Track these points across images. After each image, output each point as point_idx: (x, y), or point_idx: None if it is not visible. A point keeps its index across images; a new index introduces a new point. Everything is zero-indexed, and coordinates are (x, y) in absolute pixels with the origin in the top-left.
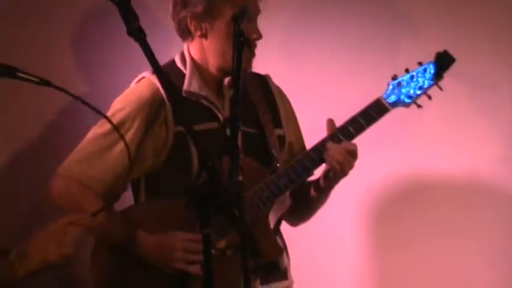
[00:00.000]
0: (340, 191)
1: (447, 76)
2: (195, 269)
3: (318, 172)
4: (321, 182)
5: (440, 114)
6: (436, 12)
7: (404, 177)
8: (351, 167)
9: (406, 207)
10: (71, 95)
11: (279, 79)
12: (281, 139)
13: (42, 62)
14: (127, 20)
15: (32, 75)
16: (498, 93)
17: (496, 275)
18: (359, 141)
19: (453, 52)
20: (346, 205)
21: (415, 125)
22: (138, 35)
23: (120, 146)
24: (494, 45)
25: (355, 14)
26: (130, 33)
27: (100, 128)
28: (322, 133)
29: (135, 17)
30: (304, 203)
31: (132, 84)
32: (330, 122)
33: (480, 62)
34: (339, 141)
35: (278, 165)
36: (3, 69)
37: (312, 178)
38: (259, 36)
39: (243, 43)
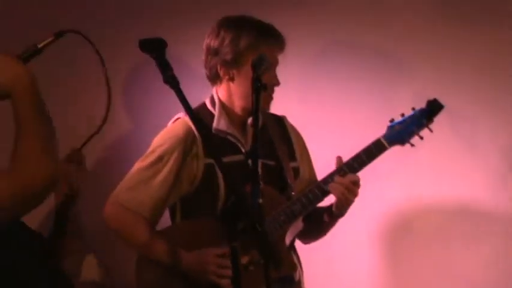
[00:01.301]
0: (352, 214)
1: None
2: (225, 282)
3: (328, 200)
4: (333, 209)
5: (427, 145)
6: (426, 58)
7: (400, 201)
8: (354, 195)
9: (406, 227)
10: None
11: (294, 118)
12: (295, 171)
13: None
14: (162, 70)
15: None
16: (477, 124)
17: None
18: (368, 173)
19: (437, 89)
20: (357, 226)
21: (408, 157)
22: (172, 82)
23: (161, 176)
24: (473, 83)
25: (360, 65)
26: (165, 81)
27: (143, 162)
28: (331, 167)
29: (169, 68)
30: (316, 226)
31: (169, 124)
32: (338, 158)
33: (461, 97)
34: (345, 174)
35: (293, 193)
36: (30, 50)
37: (323, 204)
38: (278, 83)
39: (260, 88)
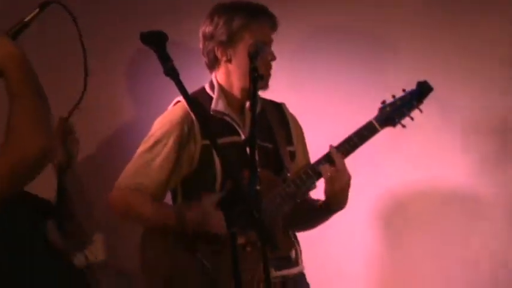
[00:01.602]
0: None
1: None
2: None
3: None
4: (324, 193)
5: (418, 132)
6: (416, 45)
7: (395, 186)
8: (344, 177)
9: (401, 211)
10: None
11: (289, 105)
12: (292, 154)
13: (100, 89)
14: (163, 62)
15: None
16: (465, 113)
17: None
18: (363, 159)
19: (428, 78)
20: (353, 210)
21: (401, 144)
22: (172, 73)
23: (161, 157)
24: (462, 72)
25: (351, 48)
26: (165, 72)
27: (144, 145)
28: (324, 149)
29: (169, 59)
30: (311, 214)
31: (169, 108)
32: (331, 147)
33: (450, 87)
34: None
35: (288, 175)
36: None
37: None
38: (274, 58)
39: (257, 77)
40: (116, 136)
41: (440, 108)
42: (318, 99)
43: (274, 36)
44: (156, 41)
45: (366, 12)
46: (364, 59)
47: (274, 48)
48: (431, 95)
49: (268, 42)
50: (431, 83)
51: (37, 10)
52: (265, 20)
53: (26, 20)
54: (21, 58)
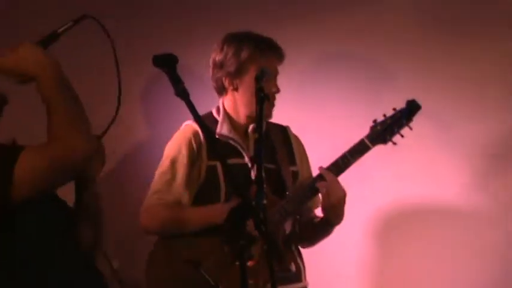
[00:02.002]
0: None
1: (419, 119)
2: None
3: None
4: (321, 208)
5: (413, 147)
6: (409, 66)
7: (391, 201)
8: (338, 192)
9: (392, 225)
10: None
11: (292, 121)
12: (294, 174)
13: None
14: (174, 83)
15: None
16: (457, 128)
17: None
18: (357, 176)
19: (421, 95)
20: (349, 224)
21: (393, 158)
22: (183, 94)
23: (180, 175)
24: (454, 89)
25: (349, 74)
26: (176, 93)
27: (161, 168)
28: (324, 163)
29: (180, 81)
30: (311, 232)
31: (179, 130)
32: (321, 167)
33: (442, 103)
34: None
35: (287, 193)
36: (48, 38)
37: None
38: (278, 90)
39: (263, 98)
40: (129, 154)
41: (433, 126)
42: (319, 116)
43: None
44: (167, 63)
45: (365, 40)
46: (360, 81)
47: (284, 71)
48: (424, 113)
49: (274, 74)
50: (423, 101)
51: (71, 23)
52: (272, 53)
53: (58, 31)
54: (53, 66)
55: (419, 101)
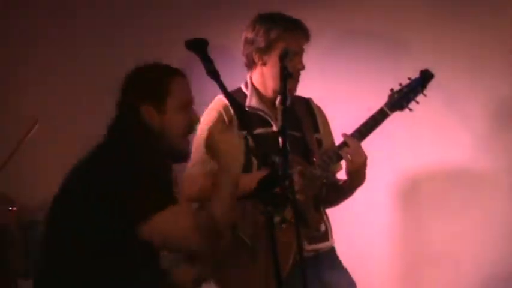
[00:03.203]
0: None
1: (432, 88)
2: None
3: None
4: (345, 172)
5: (428, 118)
6: (425, 37)
7: (408, 168)
8: (360, 157)
9: (413, 189)
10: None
11: (317, 93)
12: (319, 141)
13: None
14: (205, 64)
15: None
16: (470, 101)
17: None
18: (380, 144)
19: (436, 69)
20: (373, 189)
21: (409, 127)
22: (214, 74)
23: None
24: (468, 63)
25: (370, 48)
26: (208, 73)
27: (197, 140)
28: (348, 131)
29: (211, 62)
30: (336, 193)
31: (211, 104)
32: (344, 134)
33: (457, 77)
34: (356, 138)
35: (314, 159)
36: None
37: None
38: (303, 68)
39: (287, 75)
40: None
41: (446, 95)
42: (343, 88)
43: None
44: (199, 47)
45: (382, 16)
46: (380, 56)
47: (308, 49)
48: (438, 83)
49: (300, 52)
50: (438, 71)
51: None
52: (299, 32)
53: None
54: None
55: (437, 75)
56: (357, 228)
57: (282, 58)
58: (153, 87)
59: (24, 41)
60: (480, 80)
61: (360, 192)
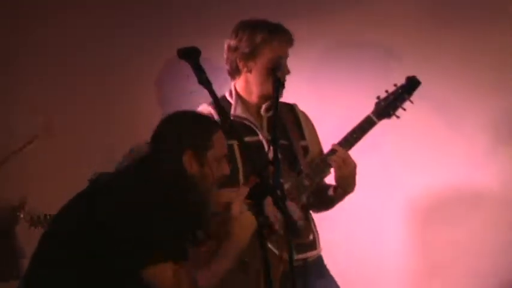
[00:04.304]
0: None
1: (422, 99)
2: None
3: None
4: (335, 181)
5: (415, 130)
6: (416, 46)
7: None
8: (349, 167)
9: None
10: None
11: (305, 100)
12: (305, 148)
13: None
14: (197, 73)
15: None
16: (460, 111)
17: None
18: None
19: (425, 79)
20: (388, 209)
21: (400, 139)
22: (206, 83)
23: None
24: (458, 72)
25: (359, 54)
26: (200, 82)
27: None
28: (335, 139)
29: (203, 71)
30: (324, 200)
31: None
32: (333, 144)
33: (447, 87)
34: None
35: (302, 168)
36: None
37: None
38: (288, 72)
39: (279, 86)
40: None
41: (436, 105)
42: (330, 95)
43: (299, 47)
44: (191, 56)
45: (372, 25)
46: (371, 64)
47: (299, 58)
48: (428, 93)
49: (285, 57)
50: (429, 84)
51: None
52: (284, 37)
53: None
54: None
55: (428, 87)
56: (365, 248)
57: (275, 69)
58: (199, 138)
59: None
60: (476, 92)
61: (359, 213)
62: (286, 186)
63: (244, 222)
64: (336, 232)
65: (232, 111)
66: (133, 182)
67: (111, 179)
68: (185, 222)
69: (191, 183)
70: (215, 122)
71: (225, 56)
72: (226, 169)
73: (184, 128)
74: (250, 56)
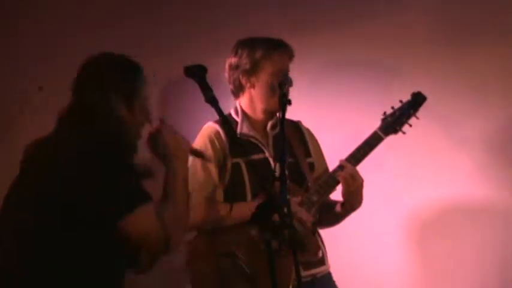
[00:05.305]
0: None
1: (427, 115)
2: None
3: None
4: (342, 197)
5: (420, 146)
6: (417, 62)
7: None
8: (357, 182)
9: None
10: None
11: (307, 117)
12: (311, 165)
13: None
14: (204, 91)
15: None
16: (461, 125)
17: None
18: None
19: (430, 95)
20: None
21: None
22: (212, 101)
23: (211, 174)
24: (461, 89)
25: (360, 70)
26: (206, 100)
27: (191, 169)
28: (341, 155)
29: (210, 89)
30: (331, 216)
31: (201, 131)
32: (341, 160)
33: (448, 101)
34: (351, 163)
35: (309, 184)
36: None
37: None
38: (291, 84)
39: (286, 102)
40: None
41: (441, 121)
42: (333, 111)
43: (300, 61)
44: (198, 74)
45: (374, 40)
46: (372, 80)
47: (300, 71)
48: (432, 110)
49: (287, 71)
50: (433, 97)
51: (205, 157)
52: (284, 51)
53: (205, 156)
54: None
55: (433, 103)
56: (364, 261)
57: (282, 85)
58: (124, 81)
59: None
60: (476, 105)
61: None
62: (297, 200)
63: (175, 144)
64: (338, 247)
65: (238, 130)
66: (75, 132)
67: (53, 144)
68: (132, 164)
69: (124, 125)
70: (137, 64)
71: (226, 75)
72: (149, 109)
73: (108, 73)
74: (252, 71)
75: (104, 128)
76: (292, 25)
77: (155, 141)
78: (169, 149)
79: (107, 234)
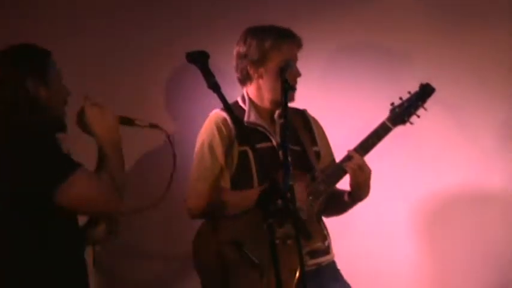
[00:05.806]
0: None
1: (437, 103)
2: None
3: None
4: (350, 187)
5: (424, 132)
6: (428, 53)
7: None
8: (365, 173)
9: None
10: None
11: (316, 105)
12: (317, 154)
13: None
14: (206, 77)
15: (143, 123)
16: (468, 113)
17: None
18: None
19: (439, 85)
20: (397, 211)
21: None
22: (215, 87)
23: (218, 160)
24: (467, 76)
25: (369, 58)
26: (209, 86)
27: (198, 154)
28: (348, 143)
29: (212, 75)
30: (338, 205)
31: (208, 118)
32: (349, 150)
33: (456, 90)
34: (360, 153)
35: (316, 173)
36: (126, 120)
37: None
38: (299, 74)
39: (288, 88)
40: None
41: (452, 110)
42: (342, 100)
43: (308, 50)
44: (200, 60)
45: (383, 29)
46: (381, 68)
47: (309, 60)
48: (443, 98)
49: (295, 60)
50: (442, 86)
51: (146, 125)
52: (292, 41)
53: (135, 122)
54: (118, 138)
55: (439, 92)
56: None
57: (283, 71)
58: (36, 63)
59: None
60: (485, 95)
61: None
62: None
63: (95, 115)
64: (345, 236)
65: (246, 118)
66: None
67: None
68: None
69: (46, 107)
70: (45, 49)
71: (234, 63)
72: (65, 86)
73: (22, 61)
74: (260, 62)
75: (28, 115)
76: (297, 13)
77: (80, 118)
78: (90, 121)
79: (55, 213)
